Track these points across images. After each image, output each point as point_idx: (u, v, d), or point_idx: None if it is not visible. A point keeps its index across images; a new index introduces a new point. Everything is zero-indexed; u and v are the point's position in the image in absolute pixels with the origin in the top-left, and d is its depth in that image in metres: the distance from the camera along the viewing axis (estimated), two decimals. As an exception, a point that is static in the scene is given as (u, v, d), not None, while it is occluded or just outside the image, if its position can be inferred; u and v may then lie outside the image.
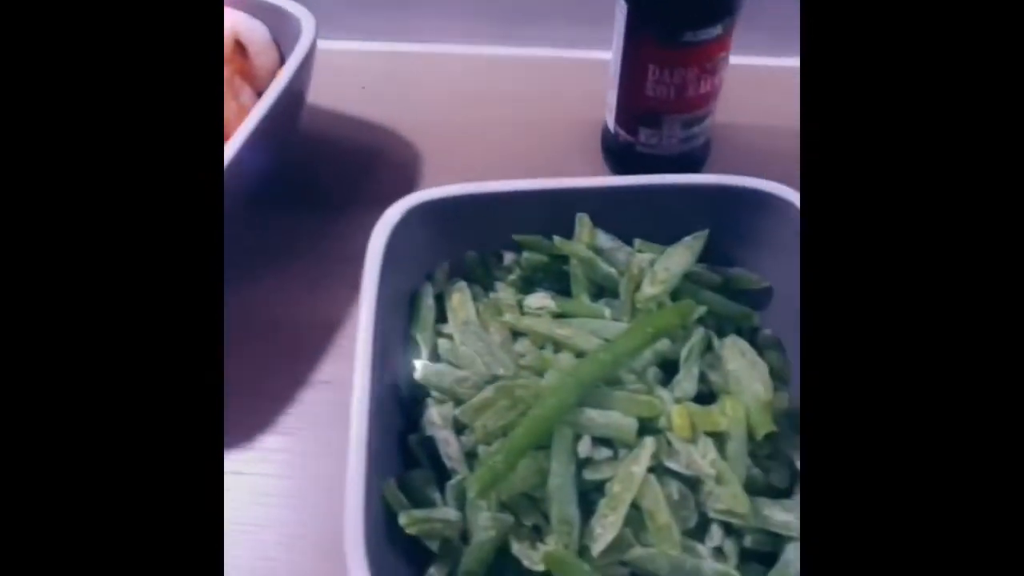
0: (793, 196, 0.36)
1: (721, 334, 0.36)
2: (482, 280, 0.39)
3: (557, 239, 0.37)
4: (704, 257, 0.38)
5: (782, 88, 0.54)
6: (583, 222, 0.37)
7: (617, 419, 0.31)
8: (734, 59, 0.55)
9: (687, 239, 0.37)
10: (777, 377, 0.35)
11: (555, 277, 0.38)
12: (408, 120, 0.53)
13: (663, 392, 0.32)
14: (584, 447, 0.31)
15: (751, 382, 0.32)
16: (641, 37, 0.41)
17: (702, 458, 0.30)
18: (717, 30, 0.39)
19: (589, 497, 0.31)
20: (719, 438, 0.31)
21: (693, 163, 0.47)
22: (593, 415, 0.31)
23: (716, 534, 0.30)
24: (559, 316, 0.36)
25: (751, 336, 0.37)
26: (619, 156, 0.48)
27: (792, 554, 0.29)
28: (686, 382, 0.33)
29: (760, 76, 0.54)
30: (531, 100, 0.54)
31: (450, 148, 0.51)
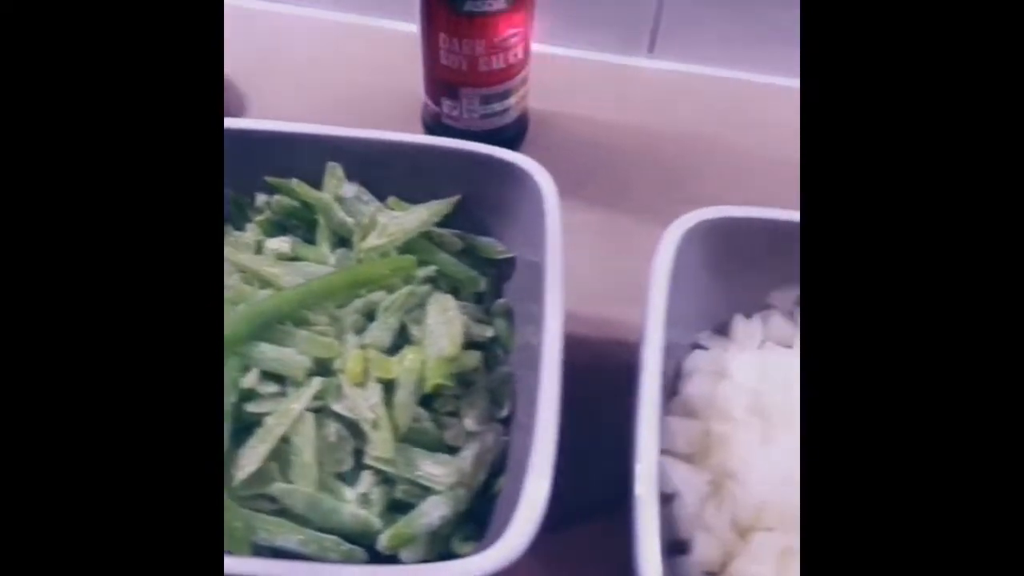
0: (536, 169, 0.36)
1: (456, 296, 0.36)
2: (235, 220, 0.39)
3: (295, 182, 0.37)
4: (460, 223, 0.38)
5: (619, 84, 0.55)
6: (332, 171, 0.37)
7: (289, 355, 0.31)
8: (575, 53, 0.55)
9: (434, 201, 0.37)
10: (500, 344, 0.36)
11: (308, 225, 0.38)
12: (246, 77, 0.53)
13: (352, 338, 0.32)
14: (250, 379, 0.30)
15: (440, 337, 0.32)
16: (433, 3, 0.41)
17: (365, 403, 0.30)
18: (500, 3, 0.40)
19: (253, 431, 0.31)
20: (393, 387, 0.31)
21: (504, 142, 0.47)
22: (266, 349, 0.31)
23: (365, 480, 0.30)
24: (293, 260, 0.36)
25: (490, 303, 0.37)
26: (430, 127, 0.48)
27: (428, 506, 0.29)
28: (378, 330, 0.33)
29: (601, 71, 0.55)
30: (367, 68, 0.54)
31: (279, 107, 0.51)
